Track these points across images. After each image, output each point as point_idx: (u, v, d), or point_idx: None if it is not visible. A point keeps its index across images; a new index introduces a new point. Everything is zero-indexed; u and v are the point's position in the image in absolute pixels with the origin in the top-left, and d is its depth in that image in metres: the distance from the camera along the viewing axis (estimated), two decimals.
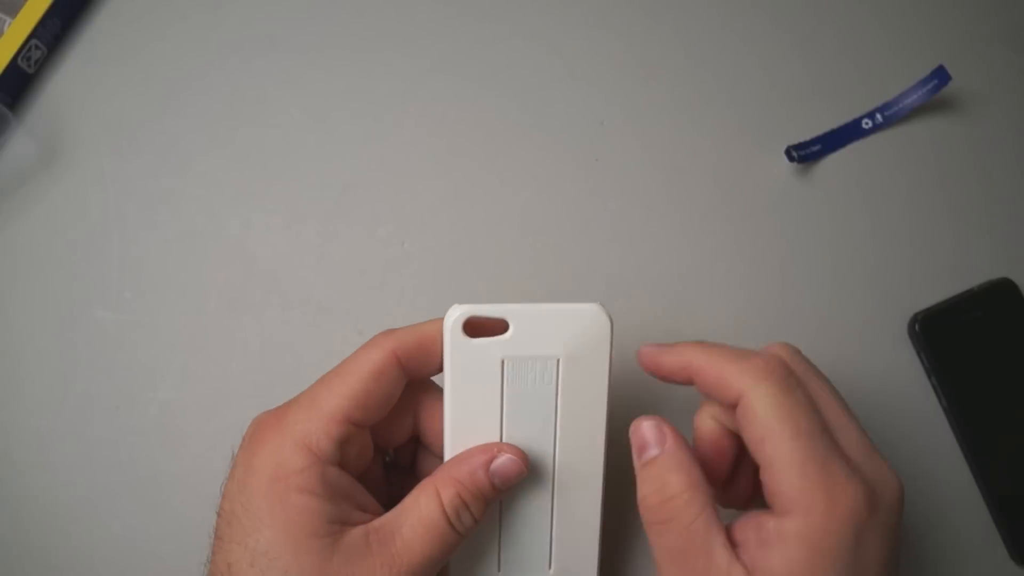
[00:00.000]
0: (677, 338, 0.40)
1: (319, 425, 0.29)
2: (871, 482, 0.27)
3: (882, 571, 0.27)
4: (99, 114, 0.42)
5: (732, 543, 0.28)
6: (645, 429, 0.30)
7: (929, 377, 0.41)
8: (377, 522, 0.28)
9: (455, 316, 0.30)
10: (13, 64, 0.40)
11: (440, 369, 0.31)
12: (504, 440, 0.31)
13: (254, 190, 0.41)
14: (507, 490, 0.30)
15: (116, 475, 0.38)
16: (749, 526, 0.28)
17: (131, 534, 0.37)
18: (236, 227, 0.41)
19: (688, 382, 0.31)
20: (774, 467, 0.27)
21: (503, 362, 0.30)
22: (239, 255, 0.40)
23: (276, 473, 0.28)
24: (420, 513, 0.28)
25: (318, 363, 0.39)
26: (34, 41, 0.41)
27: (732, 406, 0.29)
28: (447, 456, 0.31)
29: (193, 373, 0.39)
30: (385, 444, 0.33)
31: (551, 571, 0.32)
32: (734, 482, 0.32)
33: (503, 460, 0.30)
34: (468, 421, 0.31)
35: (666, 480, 0.29)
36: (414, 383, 0.31)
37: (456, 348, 0.30)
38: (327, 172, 0.42)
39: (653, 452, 0.30)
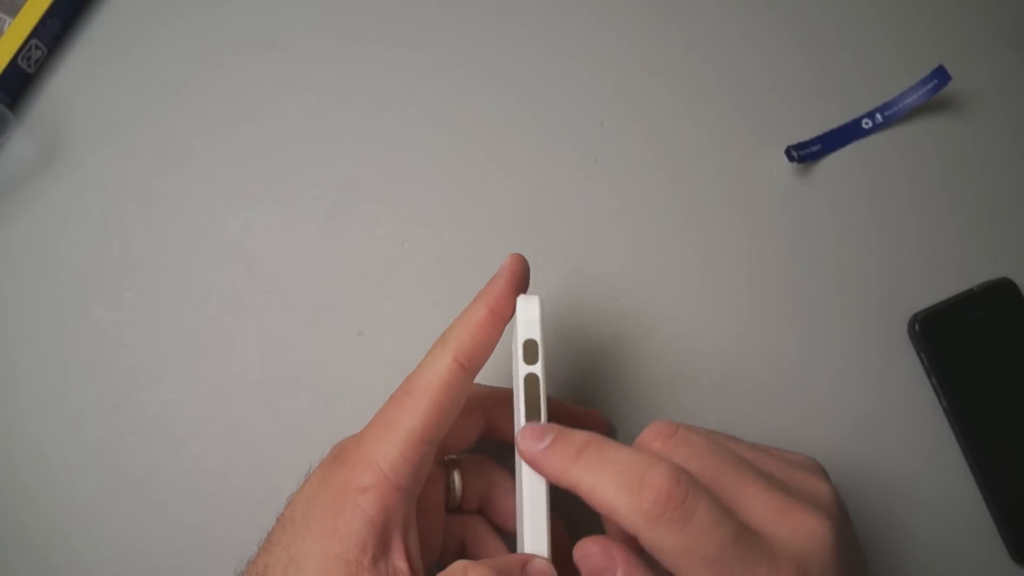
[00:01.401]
0: (677, 337, 0.40)
1: (395, 447, 0.28)
2: (796, 553, 0.26)
3: None
4: (99, 114, 0.42)
5: None
6: (593, 556, 0.28)
7: (929, 377, 0.41)
8: None
9: (537, 305, 0.29)
10: (13, 64, 0.40)
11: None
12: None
13: (254, 190, 0.41)
14: None
15: (116, 475, 0.38)
16: None
17: (131, 534, 0.37)
18: (236, 227, 0.41)
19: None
20: None
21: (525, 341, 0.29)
22: (239, 255, 0.40)
23: (342, 488, 0.28)
24: None
25: (318, 363, 0.39)
26: (34, 41, 0.41)
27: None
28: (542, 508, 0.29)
29: (193, 373, 0.39)
30: (448, 448, 0.32)
31: None
32: None
33: (539, 563, 0.28)
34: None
35: None
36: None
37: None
38: (327, 172, 0.42)
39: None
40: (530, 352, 0.29)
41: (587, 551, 0.28)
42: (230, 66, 0.42)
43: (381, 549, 0.27)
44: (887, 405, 0.41)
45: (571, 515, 0.33)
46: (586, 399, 0.39)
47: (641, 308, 0.41)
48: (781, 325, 0.41)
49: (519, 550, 0.29)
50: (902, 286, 0.42)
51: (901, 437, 0.40)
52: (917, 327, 0.40)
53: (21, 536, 0.37)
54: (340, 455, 0.29)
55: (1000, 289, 0.41)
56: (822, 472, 0.30)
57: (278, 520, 0.29)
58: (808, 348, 0.41)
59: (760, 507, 0.27)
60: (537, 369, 0.29)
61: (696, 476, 0.27)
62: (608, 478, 0.27)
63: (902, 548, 0.39)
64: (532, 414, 0.29)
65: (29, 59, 0.41)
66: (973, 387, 0.40)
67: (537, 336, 0.29)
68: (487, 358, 0.30)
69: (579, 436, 0.28)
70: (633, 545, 0.28)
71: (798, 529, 0.27)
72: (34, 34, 0.41)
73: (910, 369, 0.41)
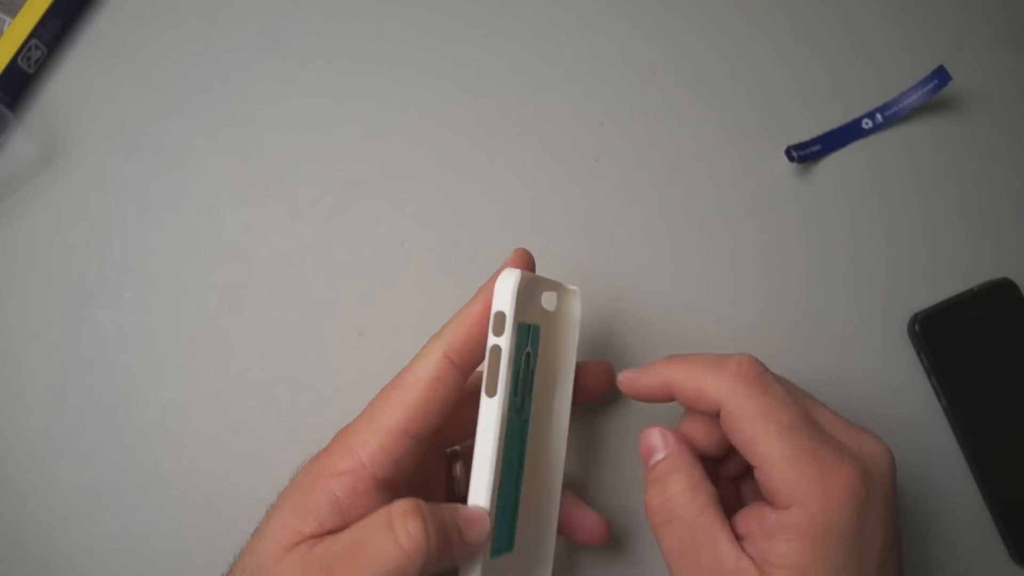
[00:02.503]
0: (677, 337, 0.40)
1: (377, 439, 0.29)
2: (862, 459, 0.28)
3: (885, 543, 0.28)
4: (99, 114, 0.42)
5: (737, 536, 0.29)
6: (651, 436, 0.31)
7: (929, 377, 0.41)
8: (332, 535, 0.28)
9: (517, 279, 0.29)
10: (13, 64, 0.40)
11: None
12: (507, 417, 0.30)
13: (254, 190, 0.41)
14: (473, 541, 0.28)
15: (116, 475, 0.38)
16: (752, 518, 0.29)
17: (131, 534, 0.37)
18: (236, 227, 0.41)
19: (670, 399, 0.31)
20: (766, 466, 0.28)
21: (518, 327, 0.29)
22: (239, 255, 0.40)
23: (318, 470, 0.29)
24: (365, 520, 0.27)
25: (318, 363, 0.39)
26: (34, 41, 0.41)
27: (715, 415, 0.29)
28: (494, 445, 0.29)
29: (193, 373, 0.39)
30: (448, 440, 0.33)
31: (515, 551, 0.31)
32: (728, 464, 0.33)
33: (473, 509, 0.29)
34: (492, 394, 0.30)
35: (667, 481, 0.30)
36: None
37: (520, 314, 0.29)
38: (327, 172, 0.42)
39: (658, 456, 0.31)
40: (498, 324, 0.29)
41: (647, 433, 0.31)
42: (230, 66, 0.42)
43: (339, 530, 0.28)
44: (887, 405, 0.41)
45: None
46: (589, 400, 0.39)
47: (641, 308, 0.41)
48: (781, 325, 0.41)
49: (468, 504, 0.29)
50: (902, 286, 0.42)
51: (901, 437, 0.40)
52: (917, 327, 0.40)
53: (20, 536, 0.37)
54: (330, 446, 0.30)
55: (1000, 289, 0.41)
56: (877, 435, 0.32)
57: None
58: (808, 348, 0.41)
59: (829, 422, 0.30)
60: (502, 341, 0.29)
61: None
62: (696, 365, 0.30)
63: (903, 545, 0.39)
64: (490, 386, 0.29)
65: (29, 59, 0.41)
66: (973, 387, 0.40)
67: (507, 309, 0.29)
68: (482, 353, 0.30)
69: (664, 358, 0.32)
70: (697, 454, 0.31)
71: (863, 444, 0.29)
72: (34, 34, 0.41)
73: (910, 369, 0.41)
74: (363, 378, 0.39)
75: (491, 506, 0.29)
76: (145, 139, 0.42)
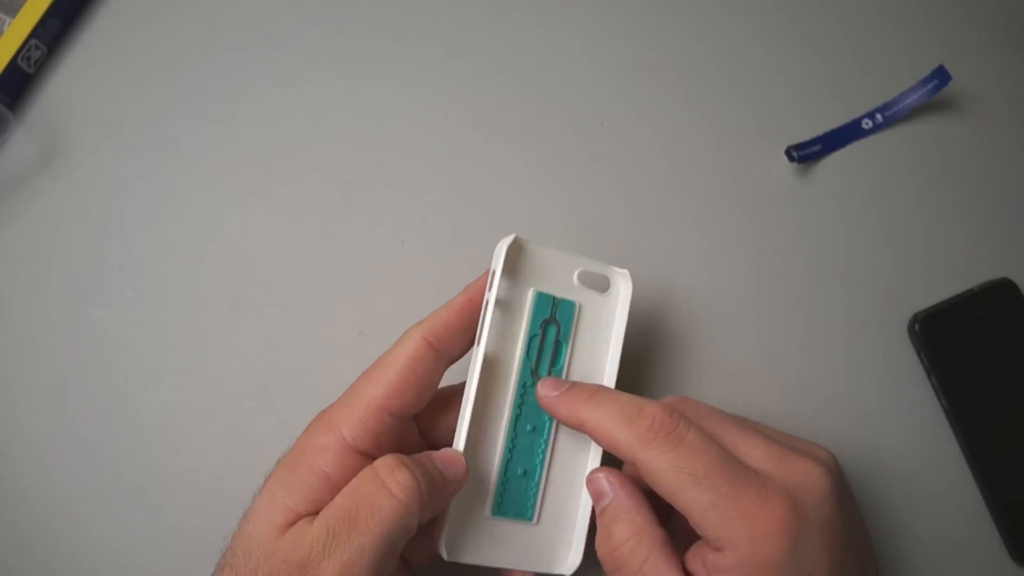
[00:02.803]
0: (677, 338, 0.40)
1: (356, 414, 0.29)
2: (788, 489, 0.28)
3: (832, 565, 0.28)
4: (99, 114, 0.42)
5: (687, 574, 0.29)
6: (597, 481, 0.32)
7: (929, 377, 0.41)
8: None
9: (511, 239, 0.31)
10: (13, 64, 0.40)
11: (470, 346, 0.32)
12: (517, 379, 0.32)
13: (254, 190, 0.41)
14: (445, 476, 0.29)
15: (115, 475, 0.38)
16: (697, 557, 0.29)
17: (131, 534, 0.37)
18: (236, 227, 0.41)
19: (582, 432, 0.31)
20: (691, 516, 0.28)
21: (534, 295, 0.32)
22: (239, 255, 0.40)
23: (301, 448, 0.30)
24: (353, 481, 0.28)
25: (318, 363, 0.39)
26: (34, 41, 0.41)
27: (631, 463, 0.30)
28: (475, 387, 0.31)
29: (193, 373, 0.39)
30: (435, 442, 0.33)
31: (537, 524, 0.32)
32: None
33: (446, 451, 0.30)
34: (494, 353, 0.32)
35: (612, 529, 0.30)
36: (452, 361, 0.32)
37: (508, 269, 0.31)
38: (327, 172, 0.41)
39: (605, 501, 0.31)
40: (491, 280, 0.32)
41: (594, 477, 0.32)
42: (230, 66, 0.42)
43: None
44: (887, 405, 0.41)
45: None
46: None
47: (640, 308, 0.41)
48: (781, 325, 0.41)
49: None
50: (902, 286, 0.42)
51: (901, 437, 0.40)
52: (917, 327, 0.40)
53: (20, 536, 0.37)
54: (310, 425, 0.31)
55: (1000, 289, 0.41)
56: (826, 450, 0.32)
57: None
58: (808, 348, 0.41)
59: (759, 454, 0.29)
60: (490, 295, 0.31)
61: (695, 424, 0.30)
62: (612, 414, 0.30)
63: (902, 547, 0.39)
64: (477, 336, 0.32)
65: (29, 59, 0.41)
66: (973, 387, 0.40)
67: (496, 266, 0.31)
68: (461, 344, 0.32)
69: (589, 386, 0.32)
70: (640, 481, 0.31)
71: (794, 470, 0.29)
72: (34, 34, 0.41)
73: (910, 369, 0.41)
74: None
75: (464, 446, 0.31)
76: (145, 139, 0.42)
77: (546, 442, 0.32)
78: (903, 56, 0.44)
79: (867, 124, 0.43)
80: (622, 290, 0.34)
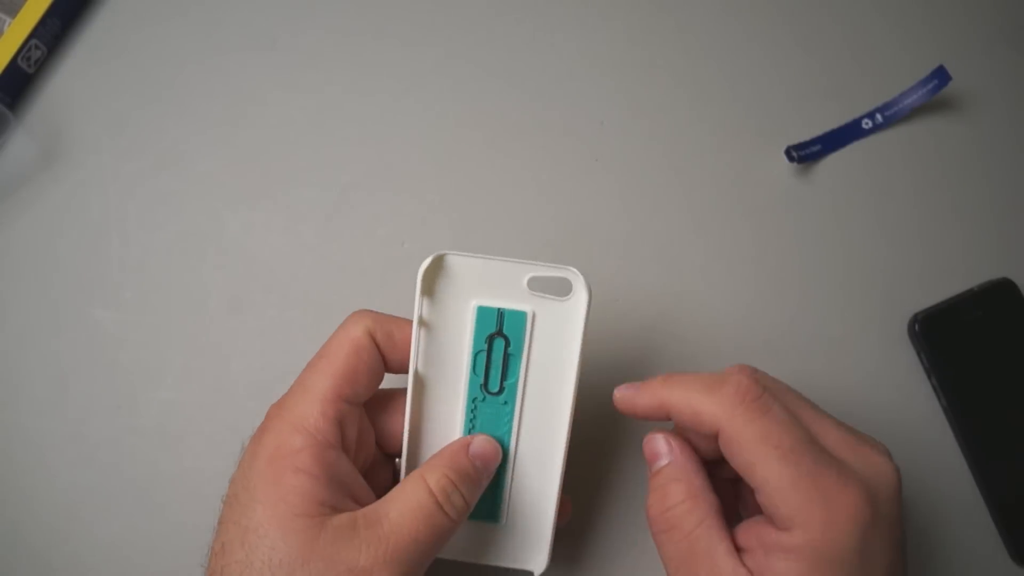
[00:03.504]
0: (677, 338, 0.40)
1: (313, 407, 0.29)
2: (866, 479, 0.28)
3: (891, 564, 0.28)
4: (99, 114, 0.42)
5: (737, 548, 0.28)
6: (655, 441, 0.31)
7: (929, 377, 0.41)
8: (366, 508, 0.29)
9: (431, 259, 0.31)
10: (13, 64, 0.40)
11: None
12: (466, 395, 0.32)
13: (254, 190, 0.41)
14: (488, 472, 0.31)
15: (116, 475, 0.38)
16: (753, 532, 0.29)
17: (131, 534, 0.38)
18: (236, 227, 0.41)
19: (667, 419, 0.31)
20: (767, 490, 0.28)
21: (475, 310, 0.31)
22: (239, 255, 0.40)
23: (275, 453, 0.29)
24: (407, 497, 0.29)
25: None
26: (34, 41, 0.41)
27: (713, 437, 0.29)
28: (408, 409, 0.31)
29: (193, 373, 0.39)
30: (392, 448, 0.33)
31: (502, 523, 0.33)
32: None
33: (479, 441, 0.31)
34: (436, 372, 0.32)
35: (667, 490, 0.30)
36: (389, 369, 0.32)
37: (427, 291, 0.31)
38: (327, 172, 0.42)
39: (661, 463, 0.31)
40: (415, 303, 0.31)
41: (651, 438, 0.31)
42: (230, 66, 0.42)
43: (336, 498, 0.28)
44: (887, 405, 0.41)
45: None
46: (585, 399, 0.39)
47: (640, 308, 0.41)
48: (780, 325, 0.41)
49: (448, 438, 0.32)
50: (902, 286, 0.42)
51: (901, 437, 0.40)
52: (917, 327, 0.40)
53: (21, 536, 0.38)
54: (265, 424, 0.30)
55: (1000, 289, 0.41)
56: (884, 445, 0.31)
57: (224, 502, 0.30)
58: (808, 348, 0.41)
59: (833, 439, 0.29)
60: (415, 317, 0.31)
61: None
62: (693, 387, 0.30)
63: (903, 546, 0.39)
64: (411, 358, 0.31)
65: (29, 59, 0.41)
66: (973, 387, 0.40)
67: (416, 289, 0.31)
68: (397, 358, 0.31)
69: (659, 376, 0.31)
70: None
71: (868, 462, 0.28)
72: (34, 34, 0.41)
73: (910, 369, 0.41)
74: None
75: (405, 464, 0.31)
76: (145, 139, 0.42)
77: (508, 451, 0.32)
78: (903, 56, 0.44)
79: (867, 124, 0.43)
80: (579, 295, 0.31)
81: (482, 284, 0.31)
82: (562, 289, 0.31)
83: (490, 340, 0.31)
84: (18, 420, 0.39)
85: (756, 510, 0.31)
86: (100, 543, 0.37)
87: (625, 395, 0.32)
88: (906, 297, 0.41)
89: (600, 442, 0.39)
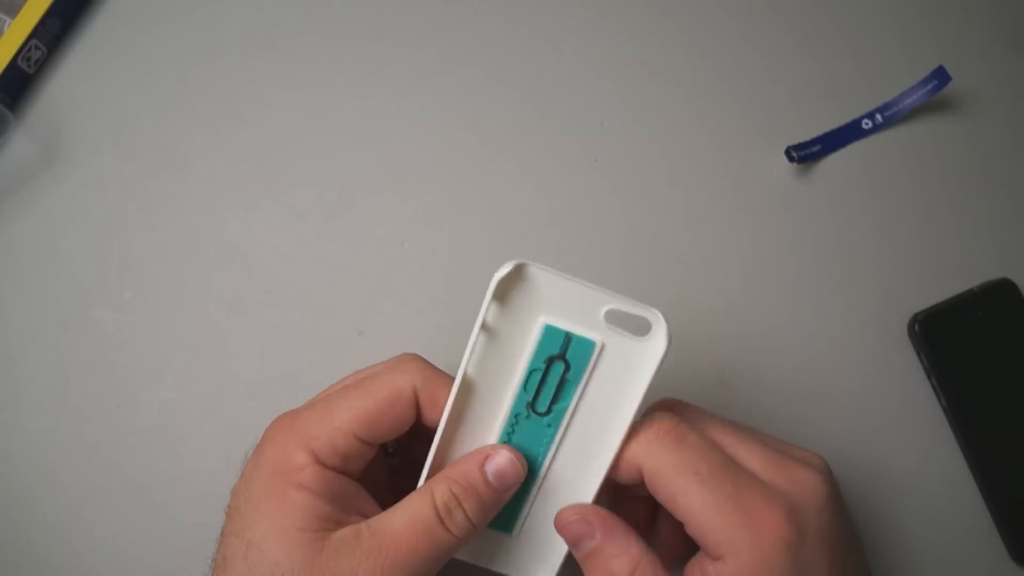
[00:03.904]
0: (676, 338, 0.40)
1: (327, 433, 0.29)
2: (789, 495, 0.28)
3: (833, 570, 0.28)
4: (99, 114, 0.42)
5: None
6: (574, 524, 0.30)
7: (929, 377, 0.41)
8: (371, 519, 0.28)
9: (511, 266, 0.29)
10: (13, 64, 0.40)
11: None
12: (510, 409, 0.30)
13: (254, 190, 0.41)
14: (505, 490, 0.30)
15: (116, 475, 0.38)
16: (696, 570, 0.29)
17: (131, 534, 0.38)
18: (236, 227, 0.41)
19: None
20: (692, 519, 0.28)
21: (542, 327, 0.29)
22: (239, 255, 0.40)
23: (278, 468, 0.29)
24: (412, 508, 0.28)
25: (318, 363, 0.39)
26: (34, 41, 0.41)
27: (641, 481, 0.29)
28: (447, 412, 0.30)
29: (193, 373, 0.39)
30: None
31: (513, 535, 0.32)
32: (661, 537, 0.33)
33: (499, 458, 0.30)
34: (484, 380, 0.30)
35: (610, 569, 0.29)
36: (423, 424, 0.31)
37: (498, 297, 0.29)
38: (327, 172, 0.42)
39: (592, 542, 0.30)
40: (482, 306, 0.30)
41: (568, 521, 0.30)
42: (230, 66, 0.42)
43: (339, 513, 0.28)
44: (887, 405, 0.41)
45: None
46: None
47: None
48: (780, 325, 0.41)
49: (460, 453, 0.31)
50: (902, 286, 0.42)
51: (901, 437, 0.40)
52: (917, 327, 0.40)
53: (21, 536, 0.38)
54: (270, 434, 0.30)
55: (1000, 289, 0.41)
56: (820, 457, 0.31)
57: (226, 513, 0.29)
58: (808, 348, 0.41)
59: (758, 461, 0.29)
60: (478, 320, 0.29)
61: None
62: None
63: (902, 548, 0.39)
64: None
65: (29, 59, 0.41)
66: (973, 387, 0.40)
67: (488, 293, 0.29)
68: (437, 417, 0.30)
69: None
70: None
71: (792, 478, 0.29)
72: (34, 34, 0.41)
73: (910, 369, 0.41)
74: None
75: (428, 472, 0.30)
76: (145, 139, 0.42)
77: (538, 471, 0.31)
78: (903, 56, 0.44)
79: (867, 124, 0.43)
80: (656, 339, 0.29)
81: (555, 303, 0.29)
82: (640, 327, 0.30)
83: (550, 361, 0.30)
84: (18, 420, 0.39)
85: (668, 535, 0.33)
86: (100, 543, 0.37)
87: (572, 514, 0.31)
88: (906, 297, 0.41)
89: None
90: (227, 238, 0.41)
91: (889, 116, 0.43)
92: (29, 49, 0.41)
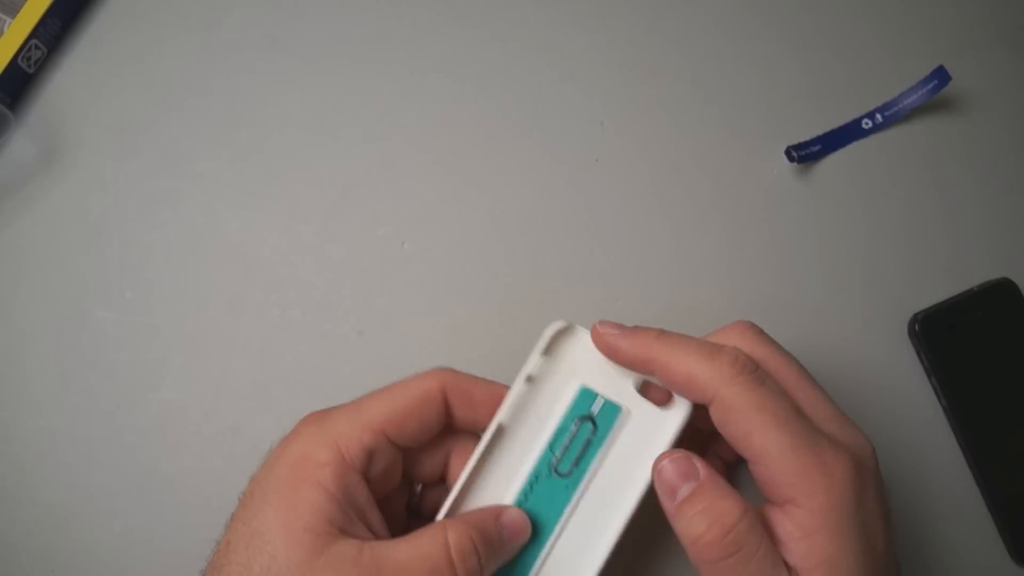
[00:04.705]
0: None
1: (355, 429, 0.29)
2: (851, 448, 0.28)
3: (885, 526, 0.28)
4: (99, 114, 0.42)
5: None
6: (674, 463, 0.29)
7: (929, 377, 0.41)
8: (375, 543, 0.28)
9: (562, 324, 0.31)
10: (13, 64, 0.40)
11: (479, 429, 0.31)
12: (533, 467, 0.31)
13: (254, 190, 0.41)
14: (512, 546, 0.30)
15: (116, 475, 0.38)
16: (779, 526, 0.28)
17: (131, 534, 0.37)
18: (236, 227, 0.41)
19: (647, 373, 0.30)
20: (765, 458, 0.28)
21: (578, 389, 0.31)
22: (239, 255, 0.40)
23: (299, 462, 0.28)
24: (421, 544, 0.28)
25: (318, 363, 0.39)
26: (34, 41, 0.41)
27: (701, 404, 0.29)
28: (476, 456, 0.30)
29: (193, 373, 0.39)
30: (414, 476, 0.32)
31: None
32: None
33: (512, 513, 0.30)
34: (514, 433, 0.31)
35: (720, 508, 0.28)
36: (456, 426, 0.31)
37: (547, 351, 0.31)
38: (327, 172, 0.42)
39: (690, 485, 0.29)
40: (530, 357, 0.31)
41: (666, 462, 0.29)
42: (231, 66, 0.42)
43: (347, 521, 0.28)
44: (887, 405, 0.41)
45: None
46: None
47: (640, 309, 0.41)
48: (781, 325, 0.41)
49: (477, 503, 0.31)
50: (902, 286, 0.42)
51: (901, 437, 0.40)
52: (917, 327, 0.40)
53: (21, 536, 0.38)
54: (299, 428, 0.30)
55: (1000, 289, 0.41)
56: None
57: (240, 499, 0.29)
58: (808, 348, 0.41)
59: (821, 415, 0.30)
60: (523, 370, 0.31)
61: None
62: (687, 349, 0.29)
63: (901, 548, 0.39)
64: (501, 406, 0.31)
65: (29, 59, 0.41)
66: (973, 387, 0.40)
67: (538, 346, 0.31)
68: (467, 420, 0.31)
69: (654, 328, 0.30)
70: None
71: (854, 438, 0.29)
72: (34, 34, 0.41)
73: (910, 369, 0.41)
74: (363, 378, 0.39)
75: (445, 513, 0.30)
76: (145, 139, 0.42)
77: (550, 533, 0.31)
78: (903, 56, 0.44)
79: (867, 124, 0.43)
80: (681, 408, 0.30)
81: (594, 367, 0.31)
82: (666, 399, 0.31)
83: (579, 422, 0.31)
84: (18, 420, 0.39)
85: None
86: (99, 543, 0.37)
87: (609, 333, 0.30)
88: (906, 297, 0.41)
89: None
90: (227, 238, 0.41)
91: (889, 116, 0.43)
92: (29, 49, 0.41)
